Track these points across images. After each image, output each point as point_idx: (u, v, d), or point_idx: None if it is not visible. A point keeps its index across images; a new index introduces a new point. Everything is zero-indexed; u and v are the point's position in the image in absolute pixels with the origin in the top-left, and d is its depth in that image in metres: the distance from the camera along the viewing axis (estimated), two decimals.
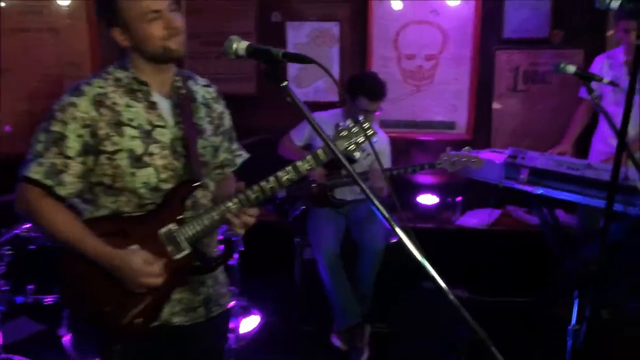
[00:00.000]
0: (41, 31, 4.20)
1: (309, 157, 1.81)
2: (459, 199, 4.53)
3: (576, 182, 3.29)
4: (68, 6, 4.26)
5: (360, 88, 3.60)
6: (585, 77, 2.39)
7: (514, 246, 4.26)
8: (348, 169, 1.31)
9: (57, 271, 1.81)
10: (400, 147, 4.42)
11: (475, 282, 4.24)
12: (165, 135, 1.82)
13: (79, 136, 1.74)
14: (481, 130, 4.62)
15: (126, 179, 1.77)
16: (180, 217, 1.82)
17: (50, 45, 4.24)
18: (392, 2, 4.53)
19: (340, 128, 1.85)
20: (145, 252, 1.76)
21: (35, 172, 1.73)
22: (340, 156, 1.33)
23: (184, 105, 1.87)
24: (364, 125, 1.86)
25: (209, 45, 4.75)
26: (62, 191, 1.75)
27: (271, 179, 1.81)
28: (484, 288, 4.24)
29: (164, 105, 1.85)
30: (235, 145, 2.09)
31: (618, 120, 3.68)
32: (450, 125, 4.65)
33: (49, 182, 1.73)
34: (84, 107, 1.74)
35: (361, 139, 1.86)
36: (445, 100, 4.62)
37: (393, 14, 4.54)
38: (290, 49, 4.64)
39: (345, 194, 3.84)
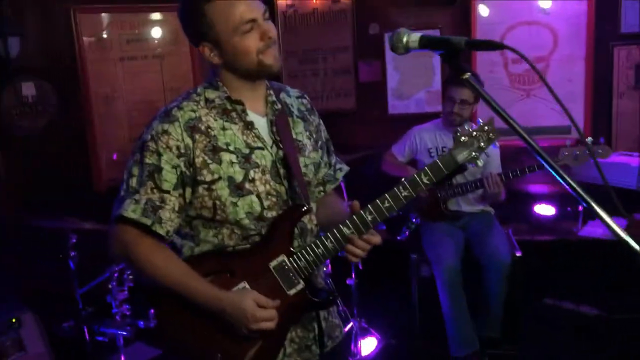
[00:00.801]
0: (147, 58, 4.26)
1: (426, 169, 1.61)
2: (580, 208, 4.21)
3: None
4: (172, 32, 4.32)
5: (449, 76, 3.49)
6: None
7: None
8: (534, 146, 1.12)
9: (156, 315, 1.67)
10: (511, 156, 4.17)
11: (606, 298, 3.91)
12: (265, 157, 1.64)
13: (175, 167, 1.58)
14: (601, 133, 4.27)
15: (228, 210, 1.60)
16: (291, 247, 1.65)
17: (154, 72, 4.30)
18: (495, 3, 4.31)
19: (459, 134, 1.64)
20: (256, 292, 1.59)
21: (131, 210, 1.57)
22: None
23: (280, 122, 1.69)
24: (485, 127, 1.64)
25: (305, 62, 4.70)
26: (161, 229, 1.58)
27: (387, 197, 1.60)
28: (616, 305, 3.89)
29: (261, 124, 1.67)
30: (334, 159, 1.90)
31: None
32: (566, 130, 4.35)
33: (146, 220, 1.57)
34: (178, 134, 1.58)
35: (483, 144, 1.63)
36: (557, 104, 4.33)
37: (498, 16, 4.32)
38: (390, 60, 4.51)
39: (460, 205, 3.64)
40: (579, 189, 1.08)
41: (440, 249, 3.40)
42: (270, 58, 1.59)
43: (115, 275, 2.99)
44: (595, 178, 3.49)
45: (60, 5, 3.92)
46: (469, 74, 1.21)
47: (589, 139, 3.13)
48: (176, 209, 1.60)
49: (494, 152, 3.59)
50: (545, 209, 4.35)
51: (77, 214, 3.29)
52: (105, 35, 4.11)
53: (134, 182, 1.59)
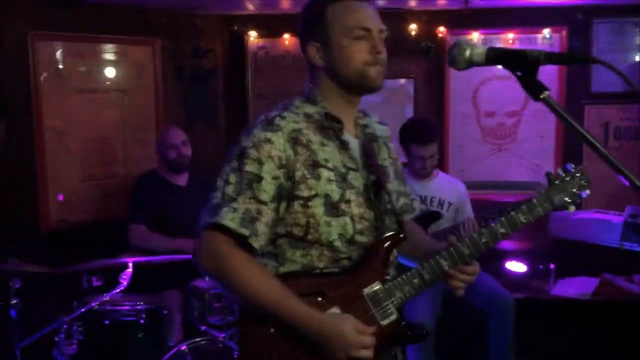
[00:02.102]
0: (108, 92, 3.98)
1: (524, 207, 1.61)
2: (552, 266, 4.12)
3: None
4: (137, 65, 4.08)
5: (409, 134, 3.43)
6: None
7: (621, 318, 3.82)
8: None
9: (242, 343, 1.56)
10: (482, 210, 4.09)
11: (581, 357, 3.79)
12: (358, 179, 1.60)
13: (275, 178, 1.50)
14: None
15: (321, 229, 1.53)
16: (385, 274, 1.59)
17: (114, 107, 4.02)
18: None
19: (552, 177, 1.68)
20: (355, 318, 1.50)
21: (230, 219, 1.47)
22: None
23: (370, 145, 1.66)
24: (577, 174, 1.70)
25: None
26: (256, 242, 1.49)
27: (485, 232, 1.59)
28: None
29: (354, 146, 1.63)
30: (407, 188, 1.85)
31: None
32: (535, 186, 4.30)
33: (245, 231, 1.47)
34: (280, 144, 1.51)
35: (576, 189, 1.68)
36: (529, 160, 4.31)
37: (472, 69, 4.29)
38: (362, 106, 4.40)
39: None
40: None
41: (417, 308, 3.18)
42: (374, 72, 1.56)
43: (65, 326, 2.65)
44: (570, 234, 3.43)
45: (14, 32, 3.61)
46: (547, 92, 1.05)
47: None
48: (270, 223, 1.51)
49: (463, 196, 3.50)
50: (516, 266, 4.24)
51: (21, 255, 2.94)
52: (61, 66, 3.81)
53: (230, 189, 1.50)
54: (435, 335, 3.22)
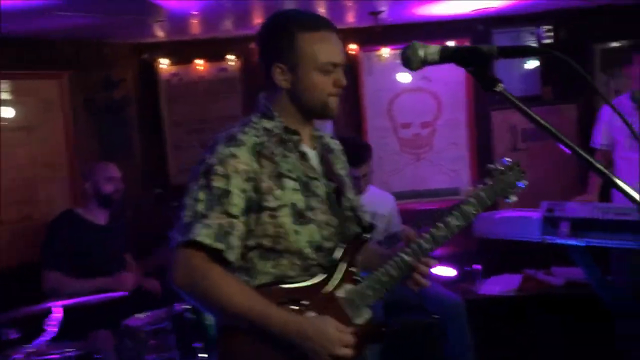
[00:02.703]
0: (13, 130, 3.75)
1: (472, 199, 1.69)
2: (478, 266, 4.28)
3: (629, 228, 3.14)
4: (44, 100, 3.88)
5: None
6: None
7: (546, 310, 4.02)
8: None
9: (220, 350, 1.57)
10: (406, 218, 4.19)
11: (513, 353, 3.94)
12: (320, 188, 1.66)
13: (243, 191, 1.55)
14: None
15: (290, 238, 1.58)
16: (355, 276, 1.64)
17: (23, 144, 3.79)
18: (381, 71, 4.44)
19: (492, 169, 1.76)
20: (331, 318, 1.54)
21: (205, 235, 1.49)
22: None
23: (327, 156, 1.74)
24: (514, 166, 1.79)
25: (192, 133, 4.46)
26: (232, 256, 1.53)
27: (440, 225, 1.66)
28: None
29: (312, 156, 1.69)
30: (359, 201, 1.89)
31: (634, 166, 3.68)
32: (455, 192, 4.48)
33: (220, 245, 1.50)
34: (245, 158, 1.56)
35: (516, 180, 1.78)
36: (446, 166, 4.48)
37: (384, 84, 4.44)
38: None
39: None
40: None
41: None
42: (334, 102, 1.64)
43: None
44: (494, 233, 3.57)
45: None
46: (502, 85, 1.10)
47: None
48: (242, 236, 1.55)
49: (391, 207, 3.58)
50: (445, 271, 4.37)
51: None
52: None
53: (201, 207, 1.52)
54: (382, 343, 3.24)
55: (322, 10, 3.80)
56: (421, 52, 1.17)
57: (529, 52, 1.08)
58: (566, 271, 4.15)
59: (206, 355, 2.87)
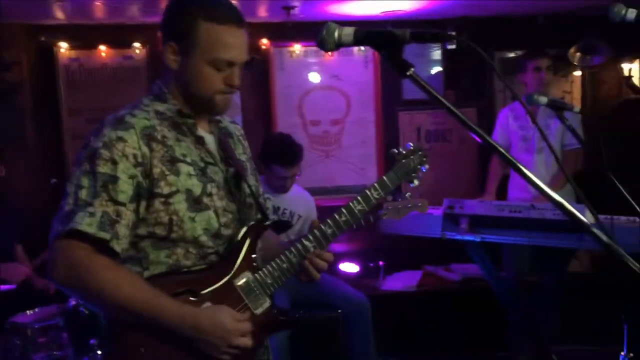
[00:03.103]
0: None
1: (375, 185, 1.71)
2: (381, 263, 4.38)
3: (521, 225, 3.32)
4: None
5: (272, 155, 3.39)
6: (557, 106, 2.41)
7: (445, 304, 4.17)
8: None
9: (110, 348, 1.48)
10: (324, 216, 4.23)
11: (415, 347, 4.06)
12: (217, 173, 1.58)
13: (132, 177, 1.44)
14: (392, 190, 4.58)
15: (185, 225, 1.49)
16: (255, 264, 1.58)
17: None
18: (292, 68, 4.44)
19: (396, 154, 1.78)
20: (229, 307, 1.49)
21: (87, 224, 1.39)
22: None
23: (226, 140, 1.66)
24: (417, 151, 1.81)
25: (93, 122, 4.22)
26: (118, 246, 1.43)
27: (343, 211, 1.64)
28: (426, 354, 4.07)
29: (210, 141, 1.61)
30: (261, 188, 1.83)
31: (528, 167, 3.89)
32: (362, 189, 4.55)
33: (105, 234, 1.40)
34: (134, 141, 1.46)
35: (419, 164, 1.81)
36: (355, 164, 4.55)
37: (295, 80, 4.44)
38: None
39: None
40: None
41: None
42: (222, 101, 1.55)
43: None
44: (397, 229, 3.66)
45: None
46: (412, 69, 1.11)
47: (409, 194, 3.29)
48: (130, 224, 1.45)
49: (311, 207, 3.59)
50: (349, 267, 4.43)
51: None
52: None
53: (84, 194, 1.42)
54: (289, 337, 3.23)
55: (234, 1, 3.74)
56: (336, 33, 1.16)
57: (439, 38, 1.10)
58: (464, 267, 4.33)
59: (101, 352, 2.75)
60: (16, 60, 4.06)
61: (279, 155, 3.39)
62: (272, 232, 1.80)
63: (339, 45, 1.15)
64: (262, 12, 4.12)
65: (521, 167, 1.08)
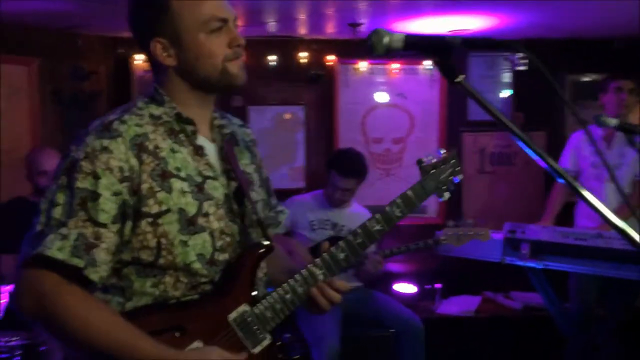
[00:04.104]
0: None
1: (398, 200, 1.52)
2: (438, 285, 4.29)
3: (586, 254, 3.18)
4: (11, 85, 3.79)
5: (333, 161, 3.46)
6: (627, 129, 2.30)
7: (503, 333, 4.03)
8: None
9: None
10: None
11: None
12: (217, 189, 1.38)
13: (116, 194, 1.26)
14: (452, 213, 4.50)
15: (176, 250, 1.30)
16: (253, 294, 1.38)
17: None
18: (357, 85, 4.46)
19: (424, 164, 1.60)
20: (219, 348, 1.30)
21: (57, 249, 1.21)
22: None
23: (229, 150, 1.44)
24: (449, 160, 1.62)
25: None
26: (94, 274, 1.24)
27: (359, 231, 1.45)
28: None
29: (211, 150, 1.41)
30: (274, 200, 1.63)
31: (598, 195, 3.73)
32: (422, 210, 4.49)
33: (78, 261, 1.22)
34: (121, 152, 1.27)
35: (450, 176, 1.62)
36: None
37: (359, 97, 4.45)
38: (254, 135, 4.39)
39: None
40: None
41: (321, 328, 3.14)
42: (236, 67, 1.36)
43: None
44: (456, 252, 3.58)
45: None
46: (463, 76, 1.09)
47: (471, 221, 3.22)
48: (112, 249, 1.26)
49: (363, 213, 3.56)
50: (405, 288, 4.36)
51: None
52: None
53: (58, 212, 1.24)
54: (340, 354, 3.19)
55: (302, 16, 3.81)
56: (386, 39, 1.16)
57: (493, 45, 1.07)
58: (525, 295, 4.18)
59: None
60: (94, 71, 4.26)
61: (340, 162, 3.44)
62: (282, 253, 1.60)
63: (388, 50, 1.15)
64: (330, 29, 4.17)
65: (583, 192, 1.03)
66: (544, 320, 3.60)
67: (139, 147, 1.29)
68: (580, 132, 3.86)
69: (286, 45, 4.29)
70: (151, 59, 1.38)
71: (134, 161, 1.28)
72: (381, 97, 4.47)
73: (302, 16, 3.75)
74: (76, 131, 4.04)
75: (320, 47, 4.38)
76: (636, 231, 3.63)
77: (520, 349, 3.87)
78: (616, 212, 3.71)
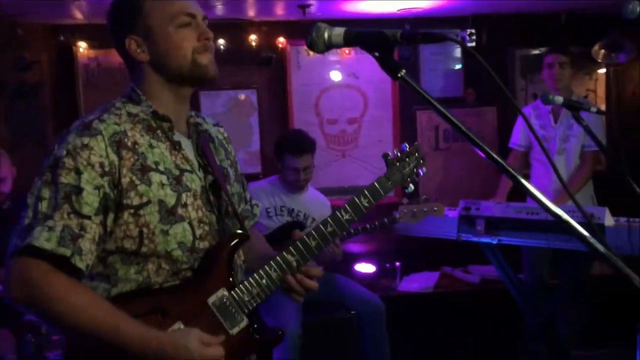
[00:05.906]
0: None
1: (366, 191, 1.61)
2: (397, 264, 4.33)
3: (539, 227, 3.24)
4: None
5: (284, 145, 3.45)
6: (573, 106, 2.34)
7: (463, 306, 4.10)
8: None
9: None
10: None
11: (431, 349, 4.01)
12: (194, 181, 1.49)
13: (98, 188, 1.36)
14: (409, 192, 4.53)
15: (157, 239, 1.41)
16: (231, 279, 1.49)
17: None
18: (309, 66, 4.41)
19: (389, 158, 1.68)
20: (198, 330, 1.39)
21: (44, 239, 1.30)
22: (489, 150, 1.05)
23: (205, 145, 1.56)
24: (413, 152, 1.72)
25: None
26: (81, 262, 1.33)
27: (330, 221, 1.55)
28: (442, 356, 4.01)
29: (187, 146, 1.52)
30: (248, 194, 1.77)
31: (548, 167, 3.81)
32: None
33: (65, 250, 1.31)
34: (101, 149, 1.37)
35: (415, 168, 1.72)
36: (371, 164, 4.50)
37: (312, 78, 4.41)
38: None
39: None
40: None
41: (282, 317, 3.13)
42: (205, 59, 1.47)
43: None
44: (413, 231, 3.61)
45: None
46: (403, 70, 1.08)
47: (424, 197, 3.23)
48: (96, 238, 1.36)
49: (327, 210, 3.55)
50: (365, 267, 4.40)
51: None
52: None
53: (44, 206, 1.33)
54: (303, 339, 3.20)
55: (250, 0, 3.74)
56: (326, 34, 1.13)
57: (430, 39, 1.06)
58: (483, 269, 4.26)
59: None
60: (36, 60, 4.10)
61: (290, 143, 3.44)
62: (260, 240, 1.74)
63: (329, 46, 1.12)
64: (279, 11, 4.10)
65: (519, 176, 1.04)
66: (502, 292, 3.68)
67: (118, 143, 1.39)
68: (528, 107, 3.92)
69: (235, 28, 4.20)
70: (127, 58, 1.48)
71: (113, 157, 1.38)
72: (333, 77, 4.44)
73: (250, 0, 3.68)
74: (21, 122, 3.93)
75: (270, 29, 4.31)
76: (589, 202, 3.72)
77: (480, 321, 3.95)
78: (568, 184, 3.78)
